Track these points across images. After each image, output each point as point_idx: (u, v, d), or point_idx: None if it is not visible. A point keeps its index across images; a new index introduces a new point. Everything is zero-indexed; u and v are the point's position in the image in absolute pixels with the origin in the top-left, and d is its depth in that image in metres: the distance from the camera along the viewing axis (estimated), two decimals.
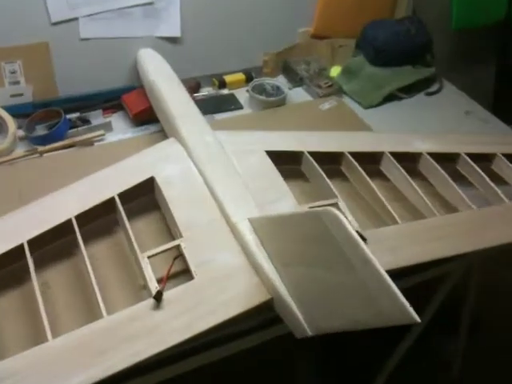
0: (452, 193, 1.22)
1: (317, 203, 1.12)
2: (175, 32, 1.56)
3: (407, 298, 0.67)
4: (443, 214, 1.18)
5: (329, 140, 1.29)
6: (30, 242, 0.98)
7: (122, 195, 1.08)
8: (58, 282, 1.02)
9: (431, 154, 1.29)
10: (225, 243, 1.00)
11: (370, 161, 1.29)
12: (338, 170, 1.29)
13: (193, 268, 0.96)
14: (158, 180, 1.11)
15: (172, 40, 1.58)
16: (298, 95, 1.69)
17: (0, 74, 1.40)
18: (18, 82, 1.44)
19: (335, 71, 1.77)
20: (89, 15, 1.43)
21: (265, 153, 1.20)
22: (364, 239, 1.03)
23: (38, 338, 0.87)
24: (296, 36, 1.76)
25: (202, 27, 1.59)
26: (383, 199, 1.16)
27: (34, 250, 0.99)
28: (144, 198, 1.14)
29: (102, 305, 0.90)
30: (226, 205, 1.05)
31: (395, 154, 1.28)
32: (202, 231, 1.03)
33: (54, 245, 1.04)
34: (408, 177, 1.22)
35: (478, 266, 1.55)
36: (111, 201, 1.07)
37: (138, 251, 0.98)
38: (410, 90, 1.71)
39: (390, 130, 1.48)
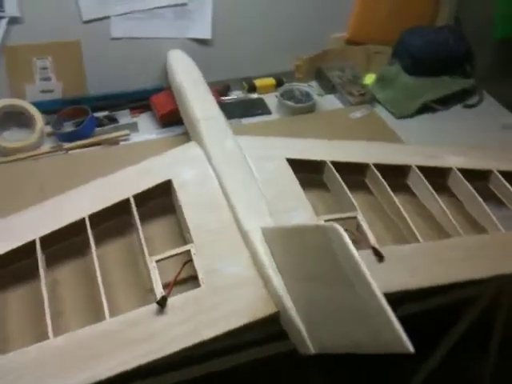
0: (481, 212, 1.16)
1: (334, 215, 1.08)
2: (206, 34, 1.55)
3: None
4: (470, 233, 1.12)
5: (354, 150, 1.25)
6: (43, 239, 0.99)
7: (137, 197, 1.07)
8: (67, 280, 1.02)
9: (461, 170, 1.23)
10: (235, 251, 0.98)
11: (396, 174, 1.25)
12: (363, 182, 1.25)
13: (200, 275, 0.94)
14: (175, 183, 1.10)
15: (203, 42, 1.57)
16: (329, 102, 1.65)
17: (31, 69, 1.43)
18: (48, 79, 1.46)
19: (369, 79, 1.72)
20: (120, 14, 1.43)
21: (285, 160, 1.17)
22: (381, 256, 1.00)
23: (41, 334, 0.87)
24: (330, 41, 1.72)
25: (233, 30, 1.58)
26: (406, 215, 1.11)
27: (47, 246, 1.00)
28: (161, 200, 1.13)
29: (105, 306, 0.89)
30: (239, 212, 1.03)
31: (423, 168, 1.23)
32: (213, 237, 1.01)
33: (67, 243, 1.04)
34: (434, 193, 1.16)
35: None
36: (126, 202, 1.06)
37: (146, 254, 0.97)
38: (446, 101, 1.65)
39: (421, 143, 1.42)
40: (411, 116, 1.60)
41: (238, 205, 1.04)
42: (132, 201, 1.06)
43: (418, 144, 1.38)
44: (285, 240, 0.91)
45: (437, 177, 1.25)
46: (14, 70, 1.41)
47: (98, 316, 0.89)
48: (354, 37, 1.74)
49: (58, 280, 1.02)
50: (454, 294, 1.24)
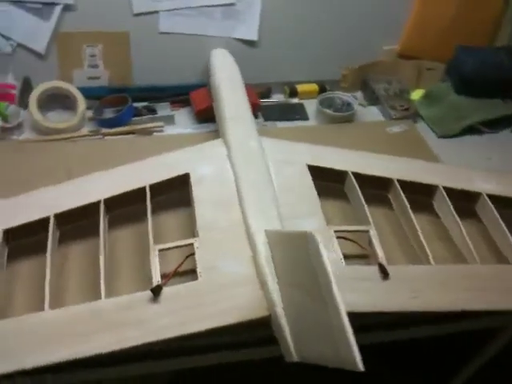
0: (504, 241, 1.10)
1: (345, 227, 1.07)
2: (252, 35, 1.56)
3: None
4: (489, 262, 1.07)
5: (379, 163, 1.22)
6: (58, 216, 1.03)
7: (154, 186, 1.10)
8: (76, 258, 1.06)
9: (491, 196, 1.18)
10: (238, 251, 0.98)
11: (422, 193, 1.21)
12: (387, 197, 1.23)
13: (199, 270, 0.95)
14: (192, 177, 1.12)
15: (248, 43, 1.58)
16: (370, 114, 1.62)
17: (81, 56, 1.49)
18: (96, 66, 1.52)
19: (417, 94, 1.68)
20: (169, 10, 1.47)
21: (306, 166, 1.17)
22: (386, 274, 0.97)
23: (40, 306, 0.90)
24: (380, 53, 1.69)
25: (279, 33, 1.58)
26: (421, 235, 1.07)
27: (61, 224, 1.05)
28: (178, 193, 1.15)
29: (102, 287, 0.92)
30: (249, 213, 1.03)
31: (451, 190, 1.18)
32: (219, 234, 1.01)
33: (83, 223, 1.08)
34: (456, 215, 1.12)
35: None
36: (142, 190, 1.09)
37: (151, 242, 0.99)
38: (495, 124, 1.58)
39: (458, 165, 1.36)
40: (454, 136, 1.54)
41: (249, 206, 1.04)
42: (148, 189, 1.08)
43: (447, 164, 1.33)
44: (284, 244, 0.90)
45: (466, 200, 1.20)
46: (65, 55, 1.48)
47: (95, 295, 0.92)
48: (406, 50, 1.70)
49: (69, 258, 1.06)
50: (481, 321, 1.18)
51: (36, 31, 1.43)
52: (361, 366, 0.61)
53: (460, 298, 0.97)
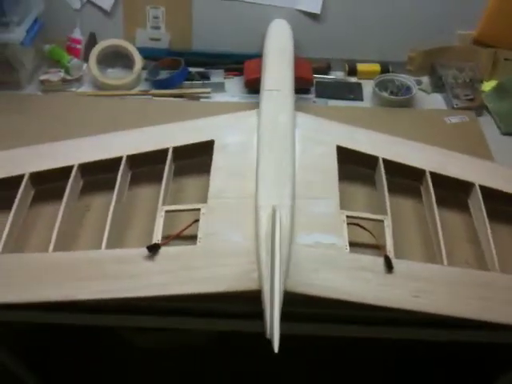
0: None
1: (358, 213, 1.02)
2: (316, 8, 1.52)
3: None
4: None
5: (414, 151, 1.15)
6: (81, 166, 1.09)
7: (177, 149, 1.12)
8: (97, 208, 1.11)
9: None
10: (243, 223, 0.98)
11: (459, 189, 1.13)
12: (420, 189, 1.16)
13: (200, 235, 0.96)
14: (216, 144, 1.12)
15: (311, 16, 1.54)
16: (432, 101, 1.52)
17: (144, 16, 1.53)
18: (158, 28, 1.56)
19: (489, 85, 1.55)
20: None
21: (335, 147, 1.13)
22: (391, 267, 0.93)
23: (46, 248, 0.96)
24: (453, 37, 1.57)
25: (344, 8, 1.52)
26: (440, 233, 1.00)
27: (84, 174, 1.10)
28: (203, 159, 1.15)
29: (105, 238, 0.96)
30: (261, 187, 1.01)
31: (489, 190, 1.09)
32: (227, 204, 1.01)
33: (106, 176, 1.12)
34: (486, 217, 1.03)
35: None
36: (166, 151, 1.11)
37: (160, 203, 1.02)
38: None
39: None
40: None
41: (263, 179, 1.03)
42: (170, 151, 1.11)
43: (493, 162, 1.23)
44: None
45: (504, 204, 1.11)
46: (130, 14, 1.54)
47: (99, 245, 0.96)
48: (482, 37, 1.56)
49: (91, 207, 1.11)
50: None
51: None
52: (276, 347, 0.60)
53: (466, 305, 0.90)
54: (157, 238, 0.96)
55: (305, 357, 1.71)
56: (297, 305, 0.90)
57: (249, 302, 0.92)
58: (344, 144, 1.14)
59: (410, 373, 1.75)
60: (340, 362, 1.75)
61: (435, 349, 1.65)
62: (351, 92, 1.53)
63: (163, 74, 1.51)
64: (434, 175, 1.10)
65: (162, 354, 1.75)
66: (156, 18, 1.54)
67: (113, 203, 1.02)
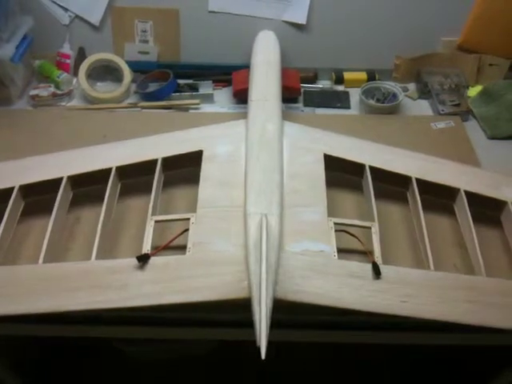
0: None
1: (345, 220, 1.04)
2: (301, 19, 1.54)
3: None
4: (498, 276, 1.00)
5: (401, 159, 1.16)
6: (71, 178, 1.10)
7: (167, 160, 1.14)
8: (87, 220, 1.12)
9: None
10: (232, 231, 0.98)
11: (445, 195, 1.14)
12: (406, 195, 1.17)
13: (189, 244, 0.97)
14: (205, 154, 1.13)
15: (297, 26, 1.56)
16: (418, 108, 1.54)
17: (133, 30, 1.55)
18: (146, 41, 1.57)
19: (474, 91, 1.57)
20: None
21: (322, 155, 1.14)
22: (378, 273, 0.94)
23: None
24: (437, 44, 1.59)
25: (330, 18, 1.54)
26: (426, 239, 1.02)
27: (74, 186, 1.11)
28: (192, 169, 1.16)
29: (95, 248, 0.96)
30: (250, 195, 1.02)
31: (473, 195, 1.11)
32: (217, 213, 1.02)
33: (96, 187, 1.12)
34: (471, 222, 1.05)
35: None
36: (155, 162, 1.13)
37: (149, 213, 1.03)
38: None
39: (494, 171, 1.25)
40: (505, 138, 1.43)
41: (252, 188, 1.04)
42: (159, 162, 1.12)
43: (483, 169, 1.24)
44: None
45: (490, 208, 1.12)
46: (118, 28, 1.55)
47: (89, 256, 0.97)
48: (467, 43, 1.59)
49: (80, 219, 1.12)
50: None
51: (92, 4, 1.52)
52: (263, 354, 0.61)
53: (453, 308, 0.91)
54: (146, 248, 0.97)
55: (305, 357, 1.72)
56: (286, 312, 0.91)
57: (239, 311, 0.94)
58: (331, 152, 1.15)
59: (410, 373, 1.76)
60: (340, 362, 1.76)
61: (434, 349, 1.66)
62: (338, 100, 1.55)
63: (152, 87, 1.53)
64: (419, 181, 1.12)
65: (161, 365, 1.75)
66: (144, 31, 1.56)
67: (102, 214, 1.03)
